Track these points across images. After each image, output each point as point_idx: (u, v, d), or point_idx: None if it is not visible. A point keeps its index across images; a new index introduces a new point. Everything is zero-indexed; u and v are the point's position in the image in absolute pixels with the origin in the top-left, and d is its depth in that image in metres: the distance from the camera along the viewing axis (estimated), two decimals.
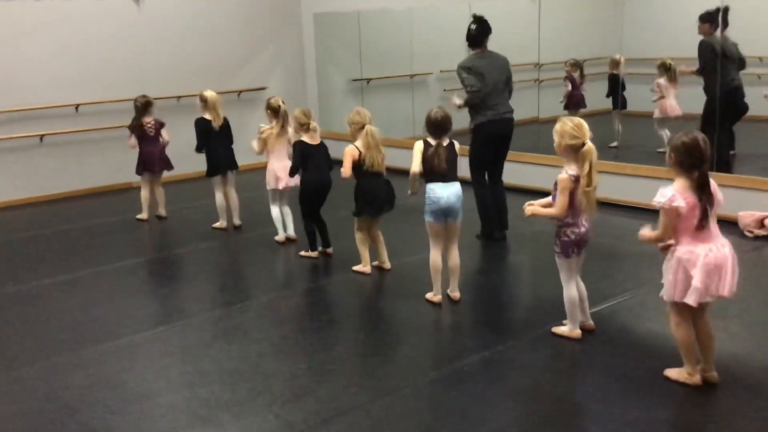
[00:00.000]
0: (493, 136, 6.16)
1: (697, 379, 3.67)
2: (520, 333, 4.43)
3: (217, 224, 7.10)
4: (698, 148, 3.42)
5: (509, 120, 6.20)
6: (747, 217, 6.15)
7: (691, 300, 3.49)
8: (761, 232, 6.10)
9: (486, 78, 6.04)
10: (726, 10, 6.88)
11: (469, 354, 4.18)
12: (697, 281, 3.46)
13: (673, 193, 3.47)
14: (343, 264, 5.81)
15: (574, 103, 9.23)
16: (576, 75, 9.31)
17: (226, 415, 3.62)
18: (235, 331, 4.67)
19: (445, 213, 4.78)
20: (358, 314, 5.08)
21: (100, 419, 3.63)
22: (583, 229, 4.11)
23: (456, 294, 4.98)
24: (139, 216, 7.56)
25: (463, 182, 4.94)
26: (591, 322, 4.37)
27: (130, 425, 3.57)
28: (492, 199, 6.28)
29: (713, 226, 3.52)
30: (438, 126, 4.83)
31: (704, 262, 3.46)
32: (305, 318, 4.99)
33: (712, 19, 7.09)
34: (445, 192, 4.75)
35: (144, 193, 7.54)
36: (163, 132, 7.37)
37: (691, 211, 3.46)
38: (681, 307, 3.60)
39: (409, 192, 4.97)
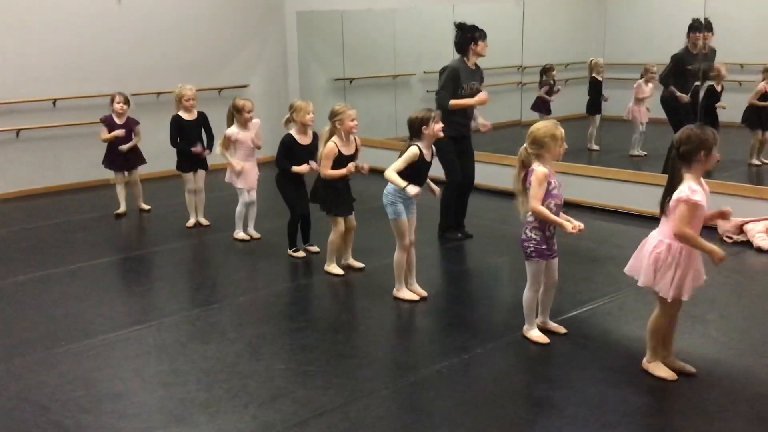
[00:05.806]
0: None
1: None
2: (499, 335, 4.45)
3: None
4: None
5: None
6: (726, 222, 6.22)
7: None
8: (740, 238, 6.17)
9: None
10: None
11: (447, 356, 4.20)
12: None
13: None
14: (322, 264, 5.79)
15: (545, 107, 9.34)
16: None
17: (201, 415, 3.60)
18: (212, 331, 4.65)
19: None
20: (336, 315, 5.07)
21: (73, 418, 3.60)
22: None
23: (422, 291, 5.10)
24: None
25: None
26: (553, 325, 4.43)
27: (103, 424, 3.54)
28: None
29: (663, 218, 3.72)
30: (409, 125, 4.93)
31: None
32: (283, 318, 4.97)
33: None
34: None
35: (119, 188, 7.63)
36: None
37: None
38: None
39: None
